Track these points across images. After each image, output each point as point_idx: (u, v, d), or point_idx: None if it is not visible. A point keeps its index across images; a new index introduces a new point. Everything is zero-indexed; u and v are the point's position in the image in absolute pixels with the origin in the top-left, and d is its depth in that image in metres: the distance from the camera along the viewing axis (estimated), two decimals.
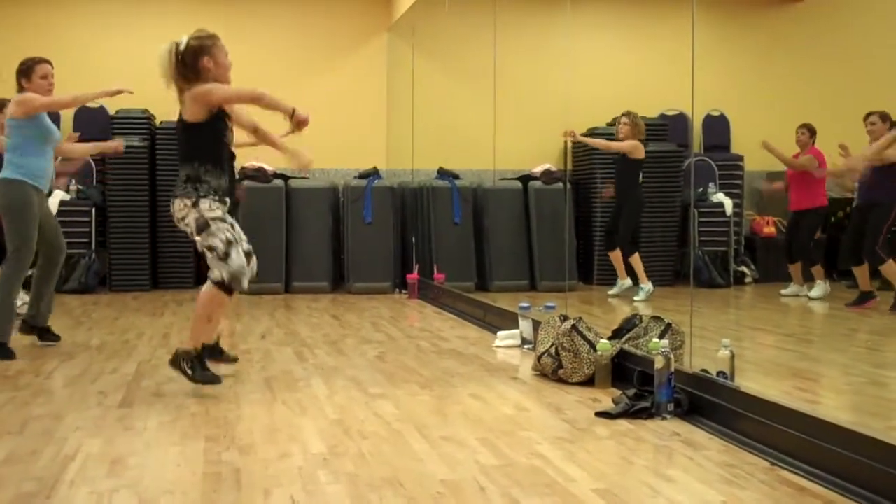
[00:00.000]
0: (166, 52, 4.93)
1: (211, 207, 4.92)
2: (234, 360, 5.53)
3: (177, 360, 5.00)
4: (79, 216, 10.10)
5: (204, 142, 4.99)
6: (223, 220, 4.95)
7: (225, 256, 4.89)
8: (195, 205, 4.91)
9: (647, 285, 9.06)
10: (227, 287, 4.93)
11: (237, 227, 5.06)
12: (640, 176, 9.34)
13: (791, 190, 9.50)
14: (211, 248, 4.91)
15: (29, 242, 6.12)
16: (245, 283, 5.00)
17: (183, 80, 4.96)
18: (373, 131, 11.57)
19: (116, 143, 7.24)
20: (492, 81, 9.08)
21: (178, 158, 5.08)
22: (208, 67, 4.94)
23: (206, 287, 4.97)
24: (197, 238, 4.96)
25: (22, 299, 6.75)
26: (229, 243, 4.90)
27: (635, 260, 9.18)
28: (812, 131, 9.34)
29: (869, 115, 8.32)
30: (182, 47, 4.94)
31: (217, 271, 4.91)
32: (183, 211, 4.94)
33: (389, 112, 11.66)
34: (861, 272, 8.28)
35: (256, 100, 5.03)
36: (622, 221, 9.33)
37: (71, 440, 3.96)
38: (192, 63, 4.93)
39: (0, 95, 7.42)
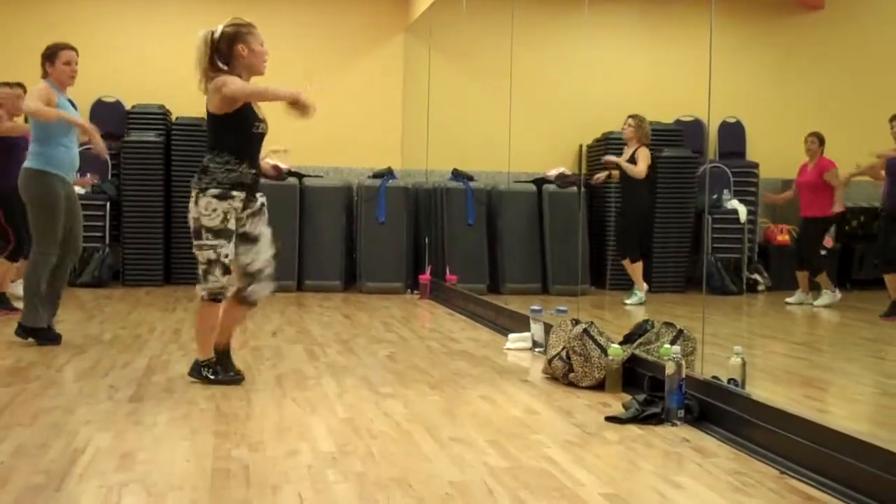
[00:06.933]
0: (201, 41, 4.91)
1: (208, 209, 4.87)
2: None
3: (196, 370, 5.08)
4: (93, 210, 10.07)
5: (224, 133, 4.96)
6: (219, 232, 4.87)
7: (204, 274, 4.95)
8: (196, 201, 4.92)
9: (640, 293, 9.05)
10: (209, 300, 5.00)
11: (255, 240, 5.02)
12: (648, 185, 9.29)
13: (801, 197, 9.48)
14: (197, 260, 4.98)
15: (52, 235, 6.13)
16: (252, 300, 5.11)
17: (212, 68, 4.92)
18: (388, 131, 11.57)
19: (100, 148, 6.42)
20: (508, 83, 9.07)
21: None
22: (242, 55, 4.94)
23: (196, 302, 5.09)
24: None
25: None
26: (209, 262, 4.91)
27: (636, 267, 9.18)
28: (821, 140, 9.27)
29: (895, 117, 8.24)
30: (217, 34, 4.93)
31: (198, 286, 5.00)
32: (190, 203, 4.96)
33: (405, 112, 11.66)
34: (892, 281, 8.20)
35: (260, 96, 4.99)
36: (624, 227, 9.35)
37: (81, 433, 3.98)
38: (226, 50, 4.92)
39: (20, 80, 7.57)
